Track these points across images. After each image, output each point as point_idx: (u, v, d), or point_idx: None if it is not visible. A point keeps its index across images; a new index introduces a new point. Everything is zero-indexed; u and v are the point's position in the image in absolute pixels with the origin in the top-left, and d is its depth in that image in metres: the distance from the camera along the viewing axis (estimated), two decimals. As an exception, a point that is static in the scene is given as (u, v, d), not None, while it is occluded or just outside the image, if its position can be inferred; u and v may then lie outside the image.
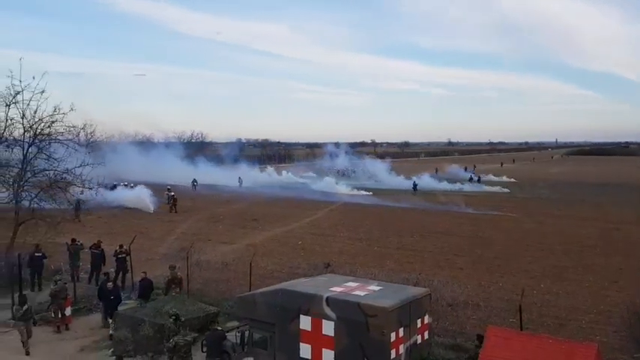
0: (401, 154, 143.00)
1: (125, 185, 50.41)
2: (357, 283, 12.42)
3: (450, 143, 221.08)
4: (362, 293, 11.54)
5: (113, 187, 47.42)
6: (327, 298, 11.22)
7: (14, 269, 18.86)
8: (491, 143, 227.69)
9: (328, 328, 11.14)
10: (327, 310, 11.15)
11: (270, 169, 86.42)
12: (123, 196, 45.60)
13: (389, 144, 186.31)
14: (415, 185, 64.66)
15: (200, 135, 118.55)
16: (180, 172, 66.35)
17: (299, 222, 38.41)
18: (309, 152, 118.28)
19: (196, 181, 61.92)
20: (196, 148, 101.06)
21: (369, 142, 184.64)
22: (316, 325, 11.28)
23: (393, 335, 10.75)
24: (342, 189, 62.40)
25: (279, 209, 45.41)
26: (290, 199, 53.28)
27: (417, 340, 11.70)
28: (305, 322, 11.42)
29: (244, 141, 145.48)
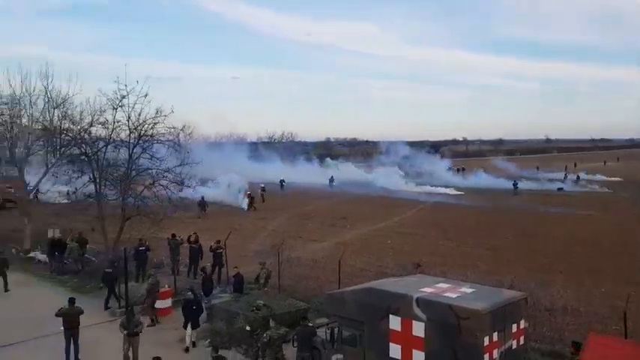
0: (494, 151, 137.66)
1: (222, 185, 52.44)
2: (448, 285, 12.13)
3: (547, 140, 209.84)
4: (454, 295, 11.26)
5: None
6: (418, 299, 11.06)
7: (121, 262, 20.30)
8: (593, 140, 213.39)
9: (418, 329, 10.98)
10: (418, 311, 11.00)
11: (352, 167, 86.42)
12: (219, 193, 47.63)
13: (482, 142, 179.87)
14: (516, 185, 61.94)
15: (290, 135, 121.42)
16: (270, 171, 68.12)
17: (388, 221, 38.19)
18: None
19: (284, 181, 63.20)
20: (287, 148, 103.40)
21: (461, 139, 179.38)
22: (406, 326, 11.16)
23: (486, 339, 10.40)
24: (433, 188, 61.19)
25: (368, 208, 45.40)
26: (380, 197, 53.07)
27: (511, 345, 11.25)
28: (395, 322, 11.33)
29: (333, 140, 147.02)
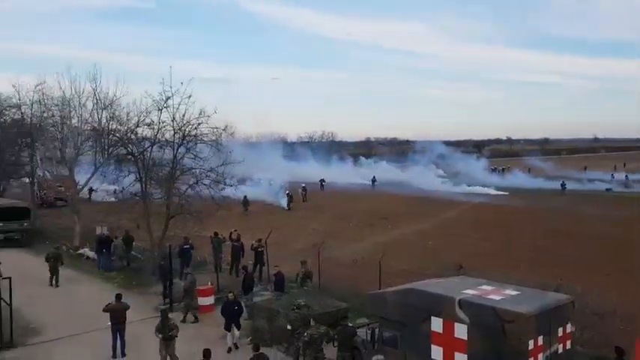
0: (540, 151, 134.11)
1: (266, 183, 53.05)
2: (491, 287, 11.93)
3: (595, 139, 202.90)
4: (497, 297, 11.06)
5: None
6: (460, 301, 10.93)
7: (162, 260, 20.80)
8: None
9: (461, 331, 10.85)
10: (460, 313, 10.86)
11: (386, 166, 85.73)
12: (258, 192, 48.19)
13: (526, 141, 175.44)
14: (564, 185, 60.29)
15: (330, 134, 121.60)
16: (306, 171, 68.40)
17: (429, 221, 37.80)
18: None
19: (324, 180, 63.29)
20: (327, 148, 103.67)
21: (505, 138, 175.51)
22: (448, 328, 11.04)
23: (531, 343, 10.19)
24: (477, 189, 60.13)
25: (409, 208, 45.06)
26: (420, 198, 52.58)
27: (557, 349, 10.98)
28: (436, 324, 11.23)
29: (373, 140, 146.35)
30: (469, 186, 62.02)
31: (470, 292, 11.37)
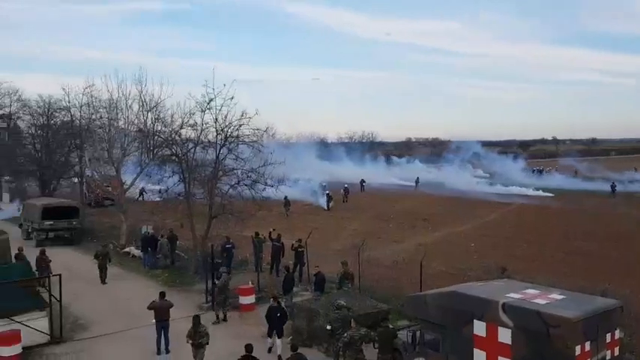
0: (587, 151, 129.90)
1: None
2: (536, 291, 11.65)
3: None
4: (543, 301, 10.81)
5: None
6: (504, 305, 10.72)
7: (208, 258, 21.15)
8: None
9: (505, 335, 10.64)
10: (504, 317, 10.66)
11: (419, 166, 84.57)
12: (297, 192, 48.41)
13: (572, 141, 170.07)
14: (614, 187, 57.71)
15: (370, 135, 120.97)
16: (345, 171, 68.24)
17: (472, 223, 37.21)
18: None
19: (364, 181, 62.79)
20: (366, 148, 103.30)
21: (550, 139, 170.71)
22: (491, 332, 10.85)
23: (577, 349, 9.91)
24: (523, 190, 58.73)
25: (450, 209, 44.47)
26: (462, 199, 51.79)
27: (605, 355, 10.64)
28: (479, 328, 11.05)
29: (414, 140, 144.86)
30: (510, 187, 60.70)
31: (514, 295, 11.15)
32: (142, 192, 44.06)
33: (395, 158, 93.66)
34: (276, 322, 14.98)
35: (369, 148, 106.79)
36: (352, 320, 13.26)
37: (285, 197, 37.73)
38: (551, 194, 56.04)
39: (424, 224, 36.77)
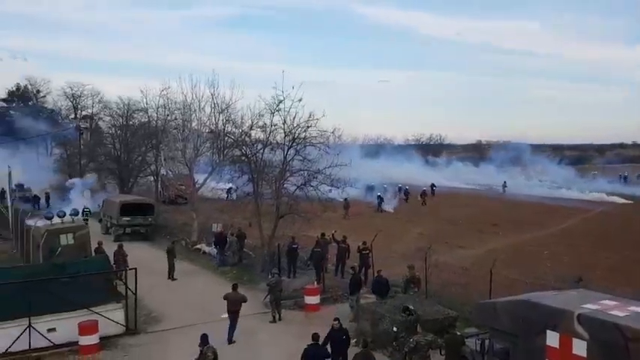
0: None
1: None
2: (615, 302, 11.02)
3: None
4: (621, 314, 10.21)
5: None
6: (580, 315, 10.22)
7: (274, 257, 21.52)
8: None
9: (579, 347, 10.14)
10: (579, 329, 10.16)
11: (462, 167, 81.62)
12: (360, 194, 48.29)
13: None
14: None
15: (439, 137, 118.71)
16: (421, 174, 67.25)
17: (547, 229, 35.80)
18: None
19: (435, 185, 61.19)
20: (435, 150, 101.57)
21: (630, 143, 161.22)
22: (565, 343, 10.36)
23: (661, 365, 9.31)
24: (600, 196, 55.88)
25: (521, 215, 42.95)
26: (536, 204, 49.94)
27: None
28: (552, 339, 10.58)
29: (485, 142, 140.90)
30: (589, 192, 57.89)
31: (590, 306, 10.61)
32: (228, 192, 44.99)
33: (437, 160, 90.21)
34: (339, 347, 13.39)
35: (437, 150, 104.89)
36: (418, 325, 13.08)
37: (345, 199, 37.15)
38: (630, 201, 53.00)
39: (495, 229, 35.71)
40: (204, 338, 12.53)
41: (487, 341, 12.06)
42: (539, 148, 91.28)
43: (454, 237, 32.72)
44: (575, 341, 10.19)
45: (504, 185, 63.39)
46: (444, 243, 29.72)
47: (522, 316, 11.25)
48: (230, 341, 15.84)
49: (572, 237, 33.41)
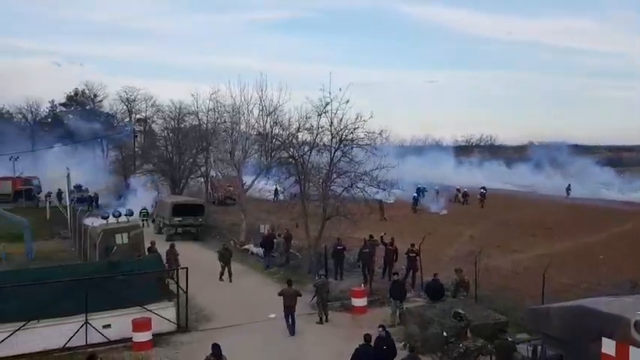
0: None
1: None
2: (674, 310, 10.53)
3: None
4: (681, 322, 9.74)
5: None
6: (637, 322, 9.81)
7: (321, 259, 21.57)
8: None
9: (637, 356, 9.71)
10: (636, 336, 9.74)
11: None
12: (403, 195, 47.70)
13: None
14: None
15: (489, 138, 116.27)
16: (470, 176, 65.94)
17: (601, 234, 34.42)
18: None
19: (485, 188, 59.33)
20: (486, 152, 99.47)
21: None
22: (622, 351, 9.96)
23: None
24: None
25: (576, 218, 41.52)
26: (591, 207, 48.16)
27: None
28: (608, 346, 10.19)
29: (537, 144, 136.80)
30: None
31: (649, 313, 10.17)
32: (276, 192, 45.53)
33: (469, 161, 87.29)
34: (384, 356, 13.08)
35: (489, 151, 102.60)
36: (468, 330, 12.86)
37: (380, 201, 35.51)
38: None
39: (548, 233, 34.66)
40: (217, 348, 11.70)
41: (539, 347, 11.74)
42: (589, 150, 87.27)
43: (507, 240, 31.90)
44: (633, 350, 9.79)
45: (568, 189, 60.87)
46: (496, 247, 29.01)
47: (576, 323, 10.89)
48: (292, 333, 16.54)
49: (629, 241, 31.98)
